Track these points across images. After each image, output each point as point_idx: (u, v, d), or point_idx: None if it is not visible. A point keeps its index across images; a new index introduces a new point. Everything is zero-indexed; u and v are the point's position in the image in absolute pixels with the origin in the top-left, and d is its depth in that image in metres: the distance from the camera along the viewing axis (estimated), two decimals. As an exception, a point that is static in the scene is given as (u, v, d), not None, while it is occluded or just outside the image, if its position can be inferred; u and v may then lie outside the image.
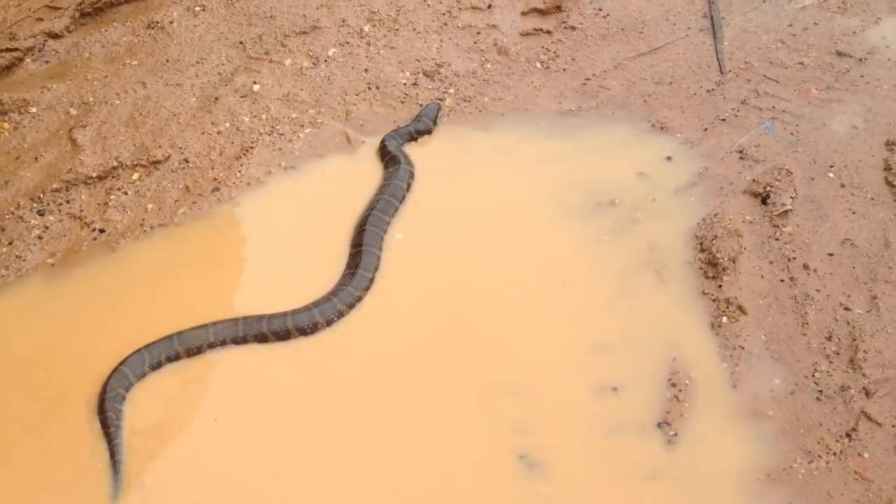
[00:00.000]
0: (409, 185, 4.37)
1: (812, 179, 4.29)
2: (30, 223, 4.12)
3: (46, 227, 4.11)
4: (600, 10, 5.51)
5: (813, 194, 4.21)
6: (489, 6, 5.53)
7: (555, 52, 5.22)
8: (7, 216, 4.17)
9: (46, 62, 5.15)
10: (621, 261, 4.01)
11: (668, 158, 4.50)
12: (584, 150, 4.60)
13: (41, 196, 4.24)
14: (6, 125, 4.61)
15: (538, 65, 5.15)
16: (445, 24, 5.42)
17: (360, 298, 3.82)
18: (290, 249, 4.08)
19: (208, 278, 3.96)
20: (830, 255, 3.92)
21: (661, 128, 4.69)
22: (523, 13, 5.50)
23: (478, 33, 5.35)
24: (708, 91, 4.91)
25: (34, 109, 4.73)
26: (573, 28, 5.37)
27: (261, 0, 5.64)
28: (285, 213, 4.26)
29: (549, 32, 5.36)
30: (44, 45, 5.19)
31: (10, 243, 4.04)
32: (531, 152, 4.62)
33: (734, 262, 3.88)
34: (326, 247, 4.09)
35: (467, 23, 5.43)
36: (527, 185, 4.45)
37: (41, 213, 4.15)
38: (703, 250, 3.98)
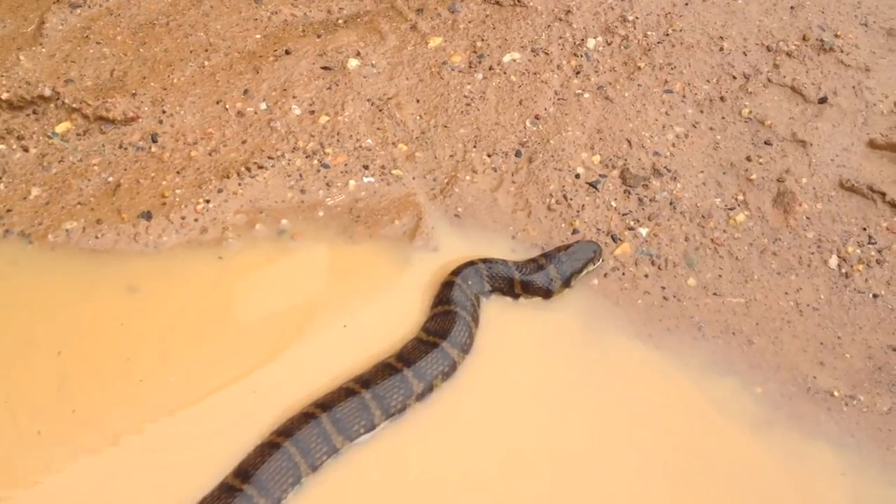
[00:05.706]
0: (431, 387, 2.27)
1: None
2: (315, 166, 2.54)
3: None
4: None
5: None
6: (823, 100, 2.99)
7: (878, 252, 2.66)
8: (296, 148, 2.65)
9: None
10: None
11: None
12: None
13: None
14: None
15: (832, 262, 2.64)
16: (722, 97, 2.98)
17: None
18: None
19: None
20: None
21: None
22: (872, 144, 2.91)
23: (766, 142, 2.88)
24: None
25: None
26: (946, 218, 2.73)
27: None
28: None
29: (892, 204, 2.76)
30: None
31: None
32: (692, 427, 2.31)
33: None
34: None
35: (760, 112, 2.95)
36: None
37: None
38: None
